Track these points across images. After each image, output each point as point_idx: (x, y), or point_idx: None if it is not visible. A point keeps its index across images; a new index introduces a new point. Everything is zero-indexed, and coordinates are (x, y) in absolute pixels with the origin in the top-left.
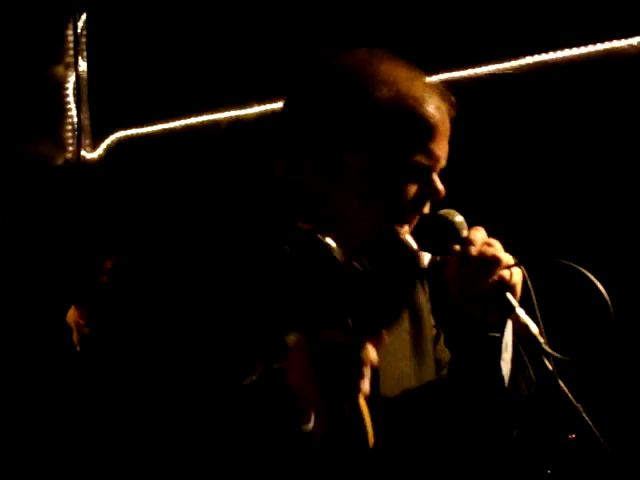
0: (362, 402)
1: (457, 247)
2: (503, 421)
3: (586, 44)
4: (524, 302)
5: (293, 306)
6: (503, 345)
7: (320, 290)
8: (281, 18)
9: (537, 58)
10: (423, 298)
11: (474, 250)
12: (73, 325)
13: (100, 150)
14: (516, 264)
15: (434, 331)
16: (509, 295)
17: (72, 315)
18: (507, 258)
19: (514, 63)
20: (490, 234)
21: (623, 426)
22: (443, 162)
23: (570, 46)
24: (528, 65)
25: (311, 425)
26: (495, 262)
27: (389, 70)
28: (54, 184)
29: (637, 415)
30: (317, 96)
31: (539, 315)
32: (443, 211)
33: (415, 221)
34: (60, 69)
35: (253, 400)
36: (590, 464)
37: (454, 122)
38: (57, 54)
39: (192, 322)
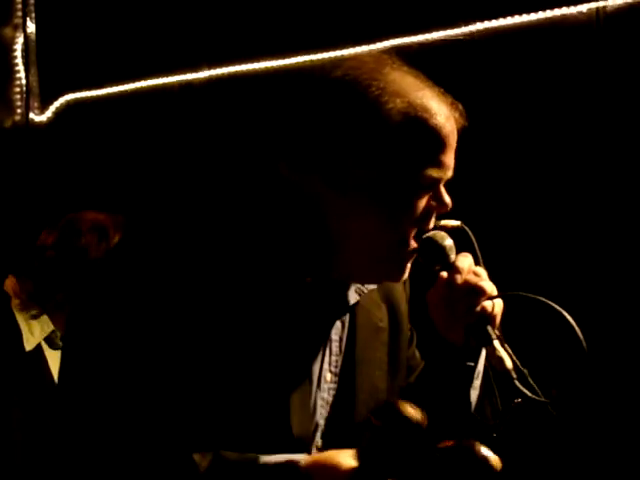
0: None
1: (444, 274)
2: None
3: (536, 11)
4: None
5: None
6: (475, 373)
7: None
8: None
9: (488, 24)
10: (403, 303)
11: (460, 278)
12: (11, 293)
13: (49, 113)
14: (498, 295)
15: (408, 334)
16: (489, 328)
17: (10, 283)
18: (491, 289)
19: (465, 29)
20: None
21: (569, 392)
22: (450, 174)
23: (520, 13)
24: (479, 31)
25: None
26: (479, 292)
27: (399, 80)
28: (2, 147)
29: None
30: (327, 108)
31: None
32: (432, 233)
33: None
34: (8, 30)
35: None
36: (535, 429)
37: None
38: (5, 15)
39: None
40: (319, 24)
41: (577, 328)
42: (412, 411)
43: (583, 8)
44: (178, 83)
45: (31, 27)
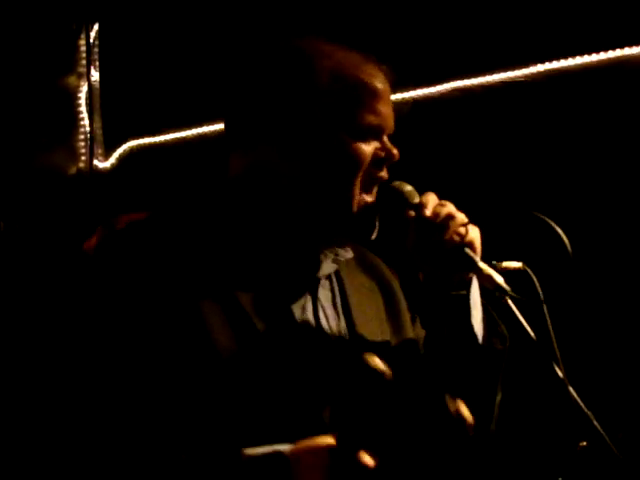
0: None
1: (411, 212)
2: (483, 379)
3: (597, 51)
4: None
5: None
6: (471, 302)
7: (365, 413)
8: (286, 28)
9: (548, 66)
10: (395, 283)
11: (427, 212)
12: None
13: (112, 159)
14: (470, 222)
15: (409, 314)
16: (468, 250)
17: None
18: (461, 216)
19: (525, 71)
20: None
21: (635, 434)
22: (390, 124)
23: (581, 54)
24: (539, 73)
25: None
26: (449, 219)
27: (327, 46)
28: (67, 194)
29: None
30: (262, 74)
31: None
32: (393, 183)
33: (376, 189)
34: (73, 79)
35: (247, 473)
36: (601, 472)
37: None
38: (70, 64)
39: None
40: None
41: (563, 235)
42: (377, 362)
43: None
44: None
45: (95, 76)
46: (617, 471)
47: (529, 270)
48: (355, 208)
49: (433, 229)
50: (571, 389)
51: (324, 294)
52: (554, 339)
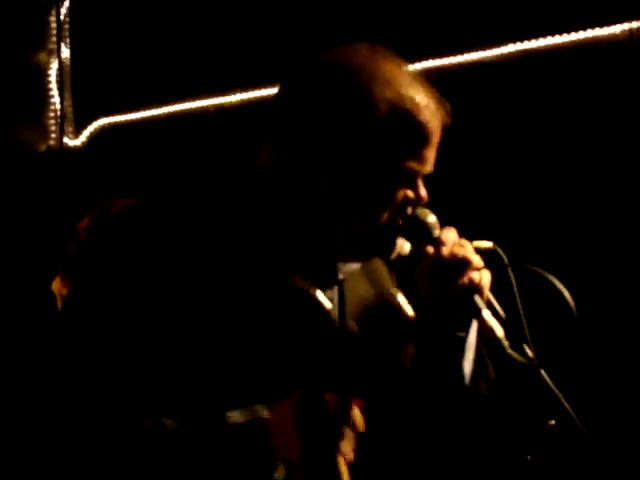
0: (341, 464)
1: (430, 248)
2: (463, 419)
3: (569, 32)
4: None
5: (288, 363)
6: (467, 345)
7: (316, 352)
8: (267, 6)
9: (521, 46)
10: (392, 286)
11: (445, 251)
12: (57, 293)
13: (83, 137)
14: (485, 267)
15: None
16: (477, 297)
17: (56, 284)
18: (477, 260)
19: (497, 51)
20: (463, 228)
21: (603, 413)
22: (430, 168)
23: (553, 34)
24: (511, 53)
25: (281, 473)
26: (465, 264)
27: (391, 70)
28: (36, 171)
29: (617, 403)
30: (316, 90)
31: (523, 316)
32: (416, 210)
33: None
34: (43, 55)
35: (231, 440)
36: (570, 450)
37: (446, 131)
38: (40, 40)
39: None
40: None
41: (568, 296)
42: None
43: (617, 29)
44: (213, 106)
45: (65, 52)
46: (585, 449)
47: (499, 250)
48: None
49: (447, 269)
50: (541, 369)
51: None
52: (524, 319)
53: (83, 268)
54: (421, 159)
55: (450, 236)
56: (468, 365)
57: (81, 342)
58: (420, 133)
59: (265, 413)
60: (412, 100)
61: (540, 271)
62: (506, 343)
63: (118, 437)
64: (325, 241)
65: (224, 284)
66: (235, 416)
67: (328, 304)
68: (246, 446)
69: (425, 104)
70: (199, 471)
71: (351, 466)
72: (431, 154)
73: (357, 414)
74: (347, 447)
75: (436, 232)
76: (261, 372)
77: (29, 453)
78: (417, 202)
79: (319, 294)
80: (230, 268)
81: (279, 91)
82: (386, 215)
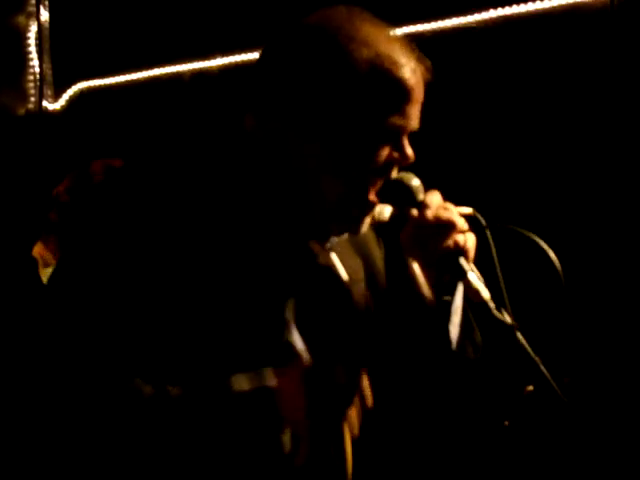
0: (347, 435)
1: (414, 211)
2: (451, 383)
3: None
4: (482, 267)
5: (298, 328)
6: (453, 308)
7: (329, 318)
8: None
9: (501, 12)
10: (379, 260)
11: (430, 214)
12: (39, 259)
13: (62, 101)
14: (470, 229)
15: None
16: (462, 259)
17: (37, 249)
18: (462, 223)
19: (478, 16)
20: (448, 196)
21: (581, 379)
22: (415, 125)
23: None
24: (492, 19)
25: (288, 439)
26: (450, 226)
27: (369, 31)
28: (15, 134)
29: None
30: (295, 54)
31: (502, 280)
32: (400, 174)
33: (380, 185)
34: (21, 19)
35: (238, 409)
36: (547, 416)
37: (429, 86)
38: (19, 3)
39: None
40: None
41: (554, 257)
42: None
43: None
44: (190, 71)
45: (45, 15)
46: (563, 415)
47: (479, 216)
48: (354, 200)
49: (432, 232)
50: (519, 334)
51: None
52: (503, 285)
53: (71, 237)
54: (404, 115)
55: (434, 199)
56: (455, 329)
57: (76, 311)
58: (401, 89)
59: (272, 379)
60: (390, 58)
61: (523, 232)
62: (492, 305)
63: (120, 404)
64: (313, 208)
65: (223, 246)
66: (241, 381)
67: (345, 275)
68: (253, 413)
69: (404, 61)
70: (204, 438)
71: (354, 442)
72: (414, 110)
73: (366, 386)
74: (354, 419)
75: (420, 195)
76: (269, 335)
77: (28, 425)
78: (403, 161)
79: (337, 262)
80: (228, 231)
81: (259, 57)
82: (373, 177)
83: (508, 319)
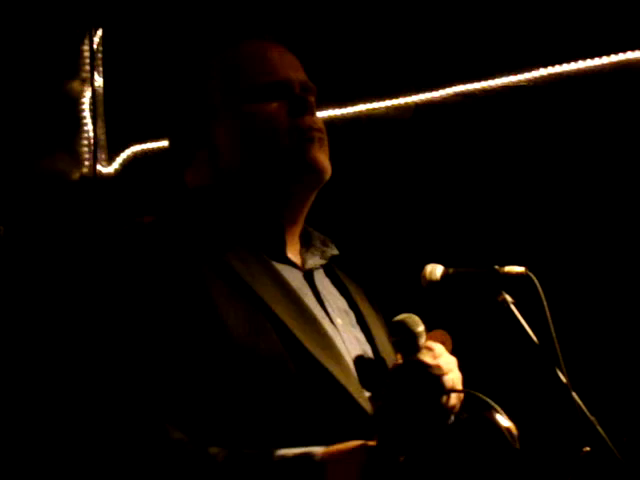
0: None
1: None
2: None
3: (599, 56)
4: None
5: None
6: None
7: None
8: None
9: (551, 70)
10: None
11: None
12: None
13: (116, 164)
14: (456, 390)
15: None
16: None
17: None
18: (452, 383)
19: (528, 75)
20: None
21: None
22: (290, 74)
23: (584, 57)
24: (542, 77)
25: None
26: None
27: (227, 47)
28: (70, 199)
29: None
30: (176, 91)
31: (556, 340)
32: (404, 317)
33: (317, 135)
34: (76, 84)
35: (277, 475)
36: (605, 477)
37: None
38: (73, 69)
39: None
40: (381, 73)
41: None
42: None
43: None
44: None
45: (98, 81)
46: (621, 476)
47: (532, 275)
48: (291, 150)
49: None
50: (574, 394)
51: (320, 279)
52: (557, 344)
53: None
54: (263, 70)
55: (428, 357)
56: None
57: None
58: (245, 55)
59: (319, 450)
60: (234, 47)
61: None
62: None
63: (160, 463)
64: (278, 199)
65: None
66: (285, 452)
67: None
68: None
69: (237, 45)
70: None
71: None
72: (271, 64)
73: None
74: None
75: (422, 340)
76: (318, 409)
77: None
78: (303, 105)
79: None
80: (226, 264)
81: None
82: (284, 131)
83: (563, 379)
